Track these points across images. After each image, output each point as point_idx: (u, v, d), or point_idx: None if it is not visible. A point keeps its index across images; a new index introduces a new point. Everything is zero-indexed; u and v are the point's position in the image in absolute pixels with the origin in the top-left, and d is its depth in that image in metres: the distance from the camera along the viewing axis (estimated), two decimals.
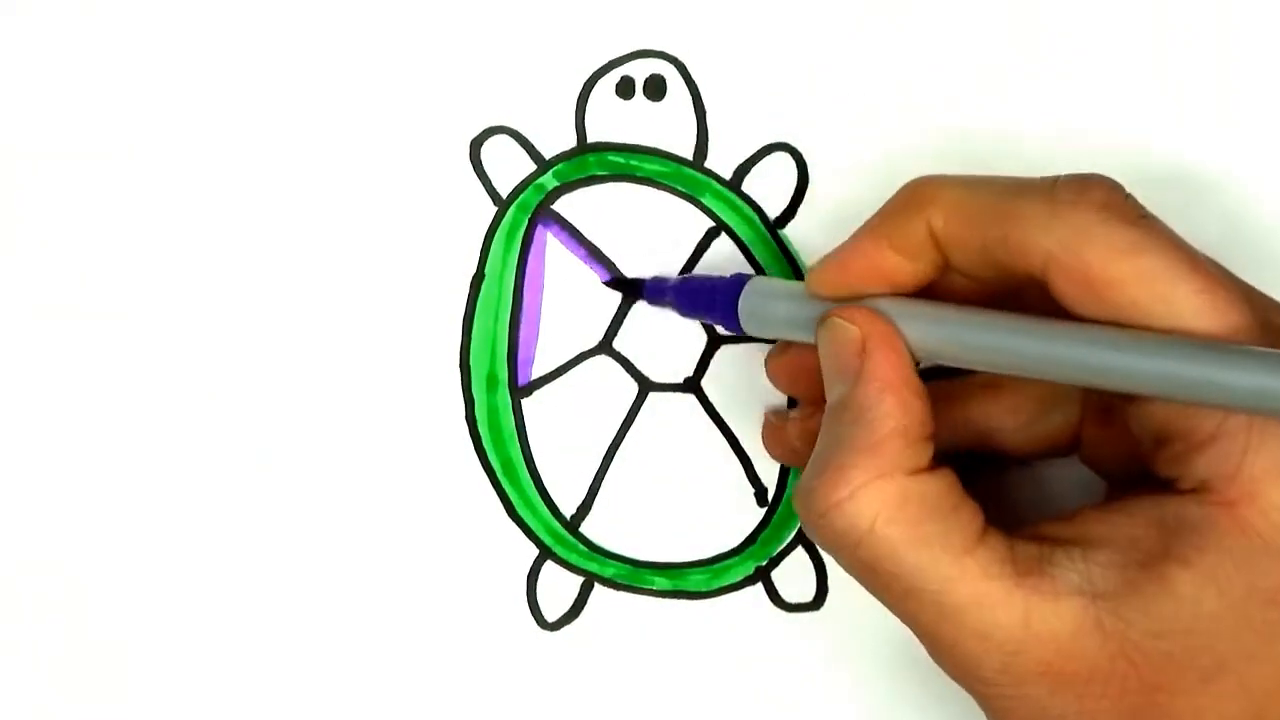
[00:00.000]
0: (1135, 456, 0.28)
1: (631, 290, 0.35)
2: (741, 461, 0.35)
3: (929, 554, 0.27)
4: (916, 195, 0.29)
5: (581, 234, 0.35)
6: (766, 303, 0.32)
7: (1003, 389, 0.31)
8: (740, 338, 0.34)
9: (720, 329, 0.35)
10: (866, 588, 0.28)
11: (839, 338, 0.29)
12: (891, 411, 0.28)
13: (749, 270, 0.35)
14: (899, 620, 0.28)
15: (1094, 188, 0.27)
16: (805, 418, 0.33)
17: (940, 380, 0.31)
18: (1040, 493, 0.34)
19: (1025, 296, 0.28)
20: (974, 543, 0.27)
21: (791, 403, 0.35)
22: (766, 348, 0.34)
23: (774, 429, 0.34)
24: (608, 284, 0.35)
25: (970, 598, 0.27)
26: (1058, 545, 0.27)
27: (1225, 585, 0.26)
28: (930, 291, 0.29)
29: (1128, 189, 0.27)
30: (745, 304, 0.32)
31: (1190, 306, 0.26)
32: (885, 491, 0.27)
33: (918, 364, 0.29)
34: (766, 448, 0.34)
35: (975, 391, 0.31)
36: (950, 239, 0.28)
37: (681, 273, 0.35)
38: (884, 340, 0.28)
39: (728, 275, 0.33)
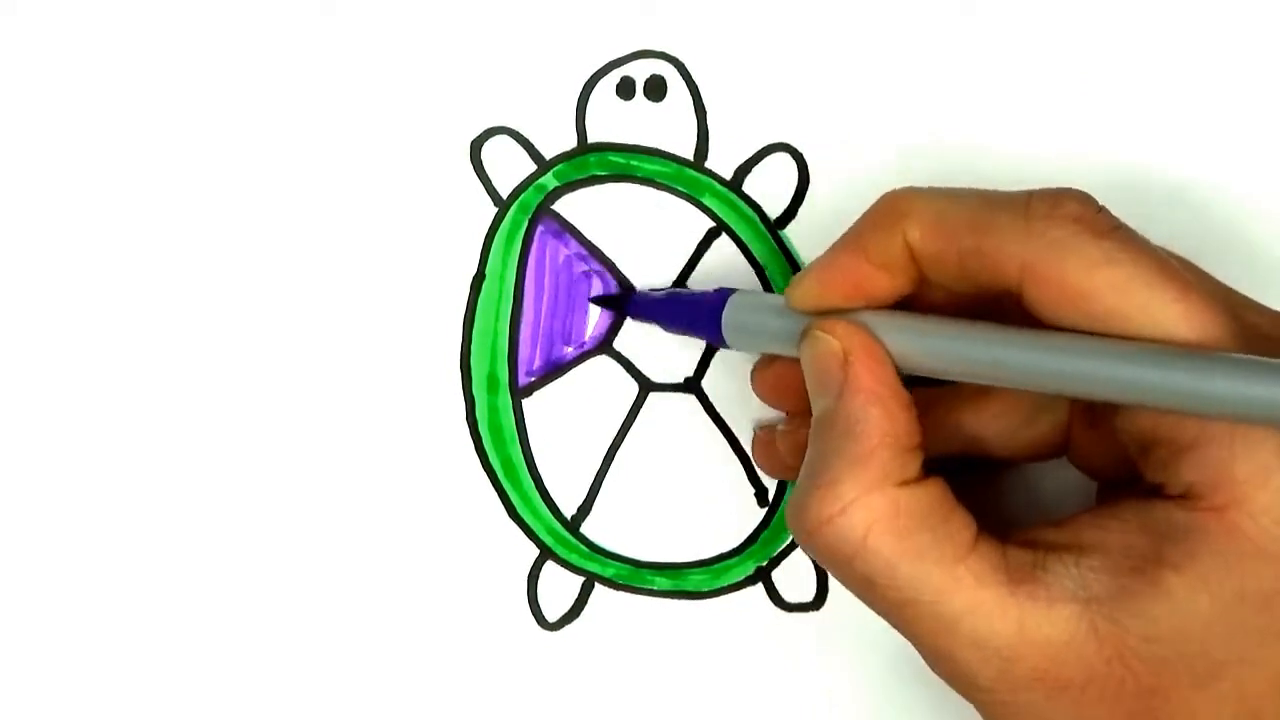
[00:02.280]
0: (1124, 459, 0.28)
1: (616, 306, 0.35)
2: (742, 461, 0.35)
3: (922, 565, 0.27)
4: (892, 208, 0.29)
5: (582, 234, 0.35)
6: (749, 317, 0.32)
7: (989, 395, 0.31)
8: None
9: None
10: (863, 601, 0.28)
11: (821, 350, 0.29)
12: (878, 423, 0.28)
13: (749, 271, 0.35)
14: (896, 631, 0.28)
15: (1067, 201, 0.27)
16: (793, 430, 0.33)
17: (925, 388, 0.31)
18: (1032, 494, 0.34)
19: (1000, 310, 0.28)
20: (966, 551, 0.27)
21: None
22: None
23: (763, 443, 0.34)
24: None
25: (965, 607, 0.27)
26: (1050, 551, 0.27)
27: (1217, 590, 0.26)
28: (907, 305, 0.29)
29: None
30: (729, 318, 0.32)
31: (1166, 315, 0.26)
32: (877, 504, 0.27)
33: (899, 375, 0.29)
34: (756, 462, 0.34)
35: (962, 398, 0.31)
36: (926, 252, 0.28)
37: (681, 274, 0.35)
38: (866, 351, 0.28)
39: (712, 290, 0.33)
